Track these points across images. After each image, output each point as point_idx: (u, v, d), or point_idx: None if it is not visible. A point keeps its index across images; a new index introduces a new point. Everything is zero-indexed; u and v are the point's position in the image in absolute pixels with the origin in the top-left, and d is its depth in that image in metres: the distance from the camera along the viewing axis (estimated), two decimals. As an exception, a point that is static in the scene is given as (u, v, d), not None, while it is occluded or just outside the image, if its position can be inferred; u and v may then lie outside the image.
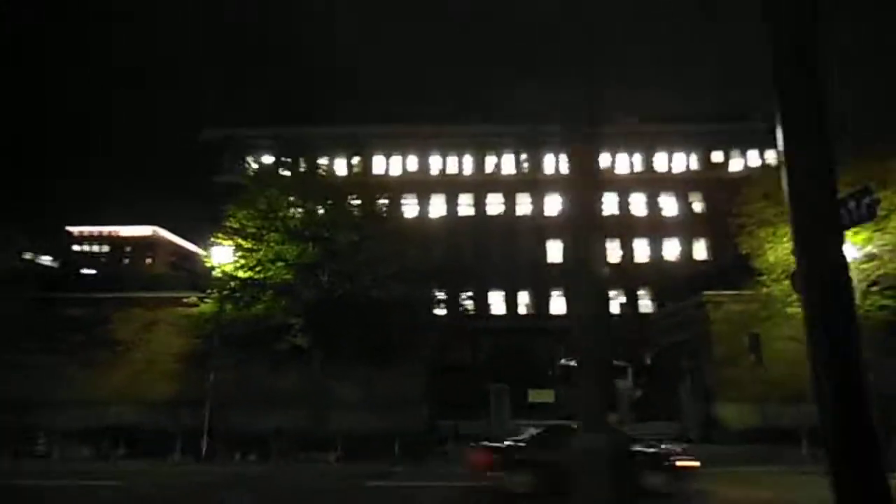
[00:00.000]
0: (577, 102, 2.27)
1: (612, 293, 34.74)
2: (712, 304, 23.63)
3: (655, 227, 41.82)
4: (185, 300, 21.80)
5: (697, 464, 10.95)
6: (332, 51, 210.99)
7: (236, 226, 21.19)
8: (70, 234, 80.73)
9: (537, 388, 25.19)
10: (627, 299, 39.47)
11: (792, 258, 18.32)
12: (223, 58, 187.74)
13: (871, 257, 16.41)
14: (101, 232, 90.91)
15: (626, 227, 40.06)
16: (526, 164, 44.54)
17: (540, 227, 42.41)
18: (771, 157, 43.82)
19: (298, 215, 21.88)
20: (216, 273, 20.60)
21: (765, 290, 20.18)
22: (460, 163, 44.73)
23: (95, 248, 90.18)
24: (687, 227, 42.46)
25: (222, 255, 20.55)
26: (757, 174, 26.11)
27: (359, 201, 23.76)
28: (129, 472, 15.44)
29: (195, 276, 26.15)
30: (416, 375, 22.33)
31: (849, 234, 12.48)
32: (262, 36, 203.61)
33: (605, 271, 2.22)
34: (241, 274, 20.55)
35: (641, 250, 41.43)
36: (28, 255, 39.32)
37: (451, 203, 43.54)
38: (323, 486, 14.00)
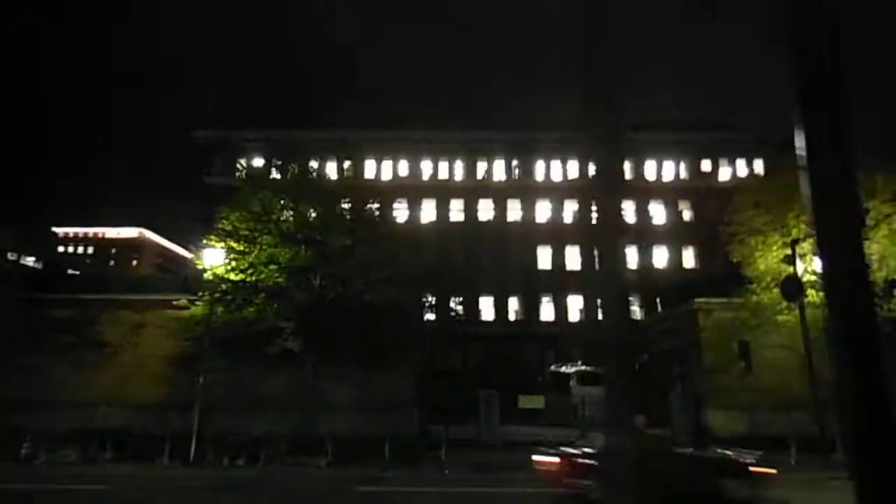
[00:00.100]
0: (599, 104, 2.26)
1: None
2: (703, 311, 23.79)
3: (645, 235, 42.13)
4: (174, 302, 21.61)
5: (774, 471, 10.63)
6: (331, 51, 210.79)
7: (229, 228, 21.06)
8: (55, 235, 79.70)
9: (527, 393, 25.17)
10: (617, 306, 39.69)
11: (782, 267, 18.44)
12: (223, 58, 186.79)
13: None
14: (86, 233, 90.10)
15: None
16: (517, 171, 44.70)
17: (530, 234, 42.57)
18: (759, 167, 44.41)
19: (291, 218, 21.80)
20: (207, 275, 20.44)
21: (755, 298, 20.40)
22: (451, 168, 44.80)
23: (80, 250, 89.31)
24: (676, 235, 42.85)
25: (214, 258, 20.39)
26: (747, 184, 26.42)
27: (350, 205, 23.71)
28: (116, 476, 15.22)
29: (185, 278, 25.94)
30: (407, 380, 22.26)
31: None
32: (262, 36, 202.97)
33: (628, 276, 2.23)
34: (232, 276, 20.42)
35: (630, 257, 41.74)
36: (12, 256, 38.90)
37: (442, 208, 43.58)
38: (313, 491, 13.89)
